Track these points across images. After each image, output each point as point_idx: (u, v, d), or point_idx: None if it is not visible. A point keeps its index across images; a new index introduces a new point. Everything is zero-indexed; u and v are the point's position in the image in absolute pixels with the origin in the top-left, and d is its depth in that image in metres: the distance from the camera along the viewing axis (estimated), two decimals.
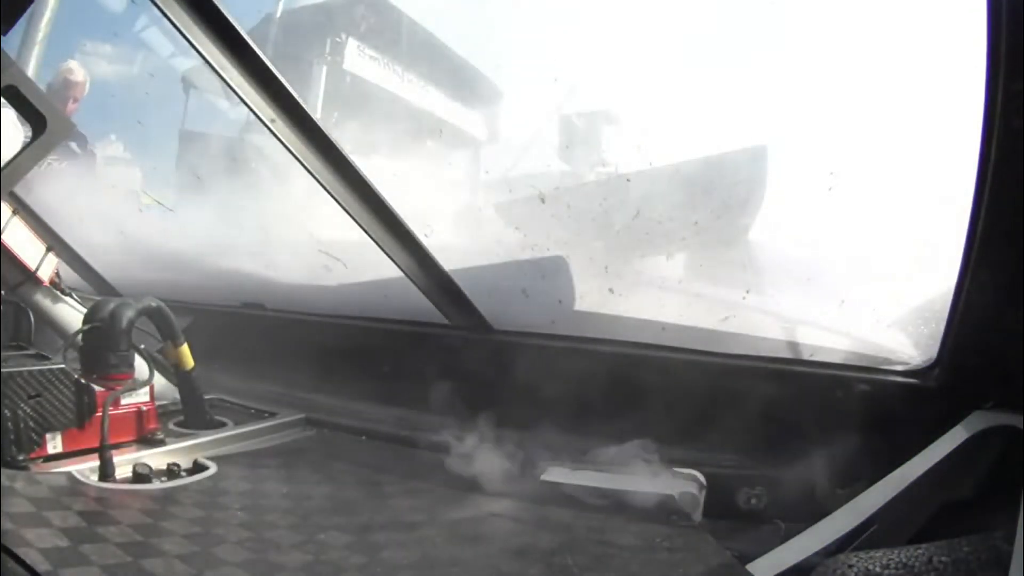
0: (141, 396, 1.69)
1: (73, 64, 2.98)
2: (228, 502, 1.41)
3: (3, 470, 1.37)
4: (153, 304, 1.80)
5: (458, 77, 1.73)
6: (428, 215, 1.79)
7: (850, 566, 0.92)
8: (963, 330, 1.26)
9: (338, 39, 1.94)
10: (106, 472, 1.48)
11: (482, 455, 1.66)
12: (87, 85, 2.33)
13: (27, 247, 1.87)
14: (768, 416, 1.46)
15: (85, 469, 1.48)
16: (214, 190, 2.21)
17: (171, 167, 2.37)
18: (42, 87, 1.71)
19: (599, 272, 1.68)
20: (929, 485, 1.19)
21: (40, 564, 1.02)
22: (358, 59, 1.88)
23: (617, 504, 1.41)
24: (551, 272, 1.74)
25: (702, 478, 1.51)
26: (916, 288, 1.40)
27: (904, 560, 0.93)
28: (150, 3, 1.52)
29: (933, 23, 1.24)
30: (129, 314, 1.71)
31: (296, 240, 2.10)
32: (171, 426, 1.83)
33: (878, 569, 0.91)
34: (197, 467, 1.59)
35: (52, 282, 1.95)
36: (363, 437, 1.86)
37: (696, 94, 1.49)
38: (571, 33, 1.55)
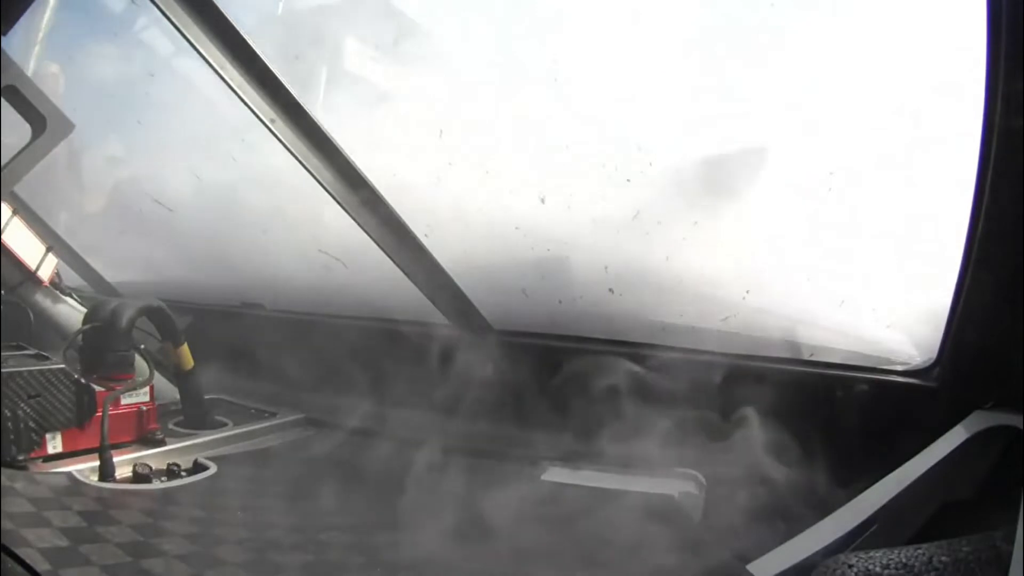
0: (141, 396, 1.69)
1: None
2: (228, 502, 1.41)
3: (3, 470, 1.37)
4: (153, 304, 1.80)
5: (457, 77, 1.73)
6: (428, 215, 1.79)
7: (850, 566, 0.92)
8: (963, 330, 1.26)
9: (338, 39, 1.94)
10: (106, 472, 1.48)
11: (482, 455, 1.67)
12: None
13: (27, 247, 1.88)
14: (768, 416, 1.46)
15: (85, 469, 1.48)
16: (214, 190, 2.21)
17: (170, 167, 2.36)
18: None
19: (599, 272, 1.68)
20: (929, 485, 1.20)
21: (40, 564, 1.02)
22: (358, 59, 1.88)
23: (617, 504, 1.41)
24: (551, 272, 1.74)
25: (702, 478, 1.51)
26: (916, 288, 1.40)
27: (904, 560, 0.93)
28: (150, 3, 1.52)
29: (933, 23, 1.24)
30: (129, 314, 1.71)
31: (296, 240, 2.10)
32: (171, 426, 1.83)
33: (878, 569, 0.91)
34: (197, 467, 1.59)
35: (52, 282, 1.95)
36: (363, 437, 1.86)
37: (696, 94, 1.49)
38: (571, 33, 1.54)
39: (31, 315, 2.02)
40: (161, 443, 1.67)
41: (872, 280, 1.45)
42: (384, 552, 1.22)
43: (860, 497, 1.21)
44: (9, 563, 0.99)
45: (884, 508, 1.17)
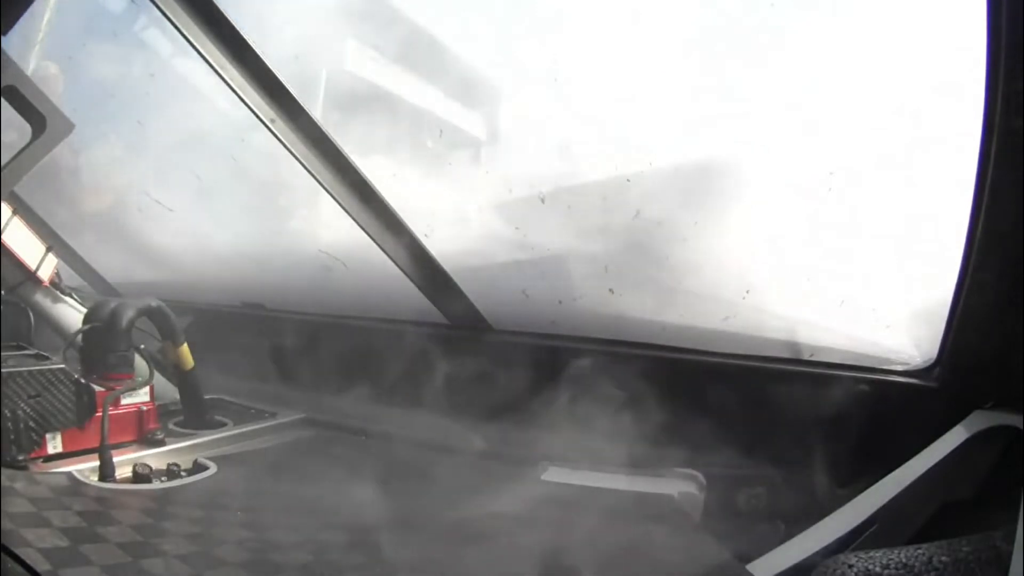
0: (141, 396, 1.70)
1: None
2: (228, 502, 1.41)
3: (3, 470, 1.37)
4: (153, 304, 1.80)
5: (458, 77, 1.73)
6: (428, 215, 1.79)
7: (850, 566, 0.92)
8: (963, 330, 1.26)
9: (338, 39, 1.94)
10: (106, 472, 1.48)
11: (482, 455, 1.67)
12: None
13: (27, 247, 1.88)
14: (768, 416, 1.46)
15: (85, 469, 1.48)
16: (214, 190, 2.21)
17: (171, 167, 2.36)
18: None
19: (599, 272, 1.68)
20: (929, 485, 1.20)
21: (40, 564, 1.02)
22: (358, 59, 1.88)
23: (617, 504, 1.41)
24: (551, 272, 1.74)
25: (702, 478, 1.51)
26: (916, 288, 1.40)
27: (904, 560, 0.93)
28: (150, 3, 1.52)
29: (933, 23, 1.23)
30: (129, 314, 1.71)
31: (296, 240, 2.10)
32: (171, 426, 1.83)
33: (878, 569, 0.91)
34: (197, 467, 1.59)
35: (52, 282, 1.95)
36: (363, 437, 1.86)
37: (696, 94, 1.48)
38: (571, 33, 1.54)
39: (31, 315, 2.02)
40: (161, 443, 1.67)
41: (872, 280, 1.44)
42: (384, 552, 1.22)
43: (860, 497, 1.21)
44: (9, 563, 0.99)
45: (884, 508, 1.17)
